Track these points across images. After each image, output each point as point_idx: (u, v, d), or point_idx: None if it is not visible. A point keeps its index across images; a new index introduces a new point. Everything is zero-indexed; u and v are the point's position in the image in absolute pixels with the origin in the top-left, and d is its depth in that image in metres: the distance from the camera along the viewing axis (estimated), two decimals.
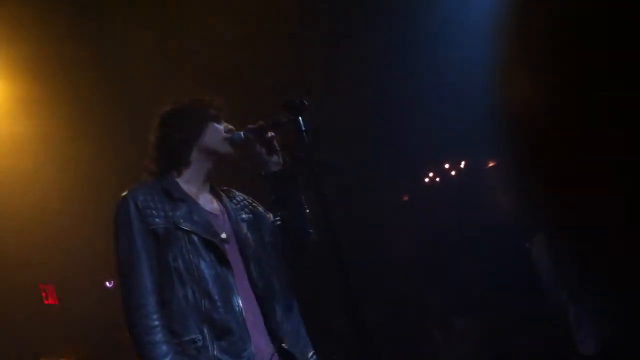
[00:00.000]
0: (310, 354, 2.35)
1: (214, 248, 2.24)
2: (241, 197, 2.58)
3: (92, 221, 5.20)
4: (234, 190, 2.59)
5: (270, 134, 2.40)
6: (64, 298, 6.10)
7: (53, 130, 5.25)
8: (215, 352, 2.08)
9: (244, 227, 2.41)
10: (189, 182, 2.38)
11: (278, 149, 2.45)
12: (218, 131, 2.42)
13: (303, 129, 2.17)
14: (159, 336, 2.06)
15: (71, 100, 5.10)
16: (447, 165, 8.35)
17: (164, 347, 2.04)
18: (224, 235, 2.30)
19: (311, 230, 2.49)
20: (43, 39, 4.60)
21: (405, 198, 8.81)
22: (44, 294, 6.01)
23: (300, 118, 2.18)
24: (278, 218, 2.51)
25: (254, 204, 2.56)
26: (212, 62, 5.07)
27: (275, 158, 2.45)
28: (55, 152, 5.39)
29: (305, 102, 2.21)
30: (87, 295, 5.98)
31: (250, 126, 2.41)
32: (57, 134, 5.30)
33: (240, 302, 2.20)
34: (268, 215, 2.52)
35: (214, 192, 2.48)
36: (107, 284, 6.18)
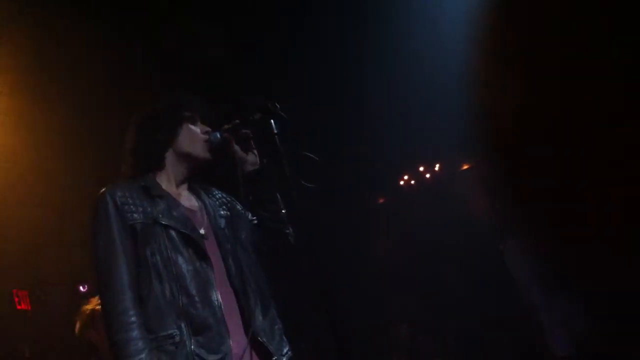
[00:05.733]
0: (286, 349, 2.36)
1: (193, 243, 2.24)
2: (220, 195, 2.59)
3: (67, 225, 5.17)
4: (212, 188, 2.60)
5: (245, 132, 2.42)
6: (37, 303, 6.04)
7: (28, 140, 5.21)
8: (192, 347, 2.08)
9: (222, 223, 2.42)
10: (167, 183, 2.40)
11: (254, 148, 2.47)
12: (194, 133, 2.43)
13: (275, 131, 2.19)
14: (135, 332, 2.05)
15: (51, 109, 5.07)
16: (421, 168, 8.40)
17: (140, 343, 2.03)
18: (202, 231, 2.31)
19: (288, 231, 2.51)
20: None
21: (381, 200, 8.85)
22: (16, 299, 5.95)
23: (272, 121, 2.21)
24: (255, 218, 2.53)
25: (232, 202, 2.58)
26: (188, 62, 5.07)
27: (251, 157, 2.47)
28: (31, 160, 5.35)
29: (277, 104, 2.23)
30: (60, 300, 5.94)
31: (225, 126, 2.43)
32: (33, 143, 5.26)
33: (219, 297, 2.21)
34: (246, 214, 2.54)
35: (193, 190, 2.50)
36: (81, 288, 6.13)
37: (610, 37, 0.63)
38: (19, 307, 5.92)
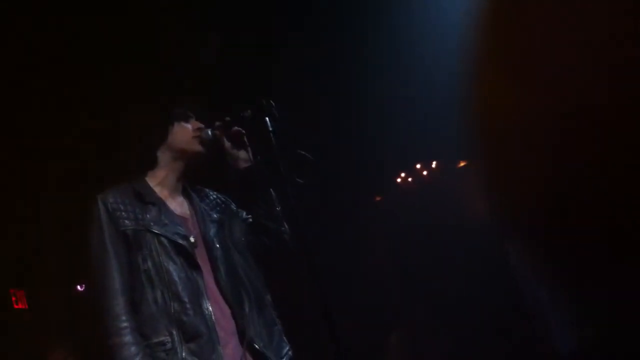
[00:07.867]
0: (285, 350, 2.36)
1: (184, 251, 2.26)
2: (214, 196, 2.59)
3: (63, 225, 5.17)
4: (206, 190, 2.60)
5: (236, 129, 2.42)
6: (35, 302, 6.04)
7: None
8: (184, 355, 2.10)
9: (213, 229, 2.42)
10: (161, 184, 2.40)
11: (247, 145, 2.47)
12: (186, 130, 2.45)
13: (270, 129, 2.19)
14: (127, 337, 2.07)
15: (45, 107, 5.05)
16: (418, 166, 8.38)
17: (133, 348, 2.06)
18: (192, 239, 2.32)
19: (283, 229, 2.52)
20: None
21: (378, 199, 8.83)
22: (14, 299, 5.95)
23: (267, 118, 2.21)
24: (249, 216, 2.52)
25: (226, 202, 2.58)
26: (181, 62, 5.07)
27: (243, 154, 2.48)
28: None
29: (272, 102, 2.23)
30: (58, 299, 5.95)
31: (217, 123, 2.44)
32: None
33: (209, 305, 2.22)
34: (241, 213, 2.54)
35: (186, 194, 2.49)
36: (79, 287, 6.14)
37: (606, 41, 0.63)
38: (16, 306, 5.92)
